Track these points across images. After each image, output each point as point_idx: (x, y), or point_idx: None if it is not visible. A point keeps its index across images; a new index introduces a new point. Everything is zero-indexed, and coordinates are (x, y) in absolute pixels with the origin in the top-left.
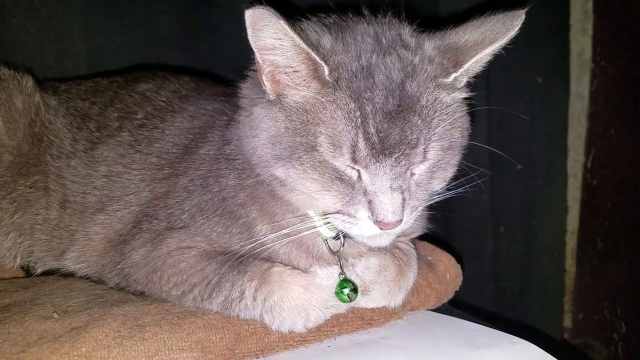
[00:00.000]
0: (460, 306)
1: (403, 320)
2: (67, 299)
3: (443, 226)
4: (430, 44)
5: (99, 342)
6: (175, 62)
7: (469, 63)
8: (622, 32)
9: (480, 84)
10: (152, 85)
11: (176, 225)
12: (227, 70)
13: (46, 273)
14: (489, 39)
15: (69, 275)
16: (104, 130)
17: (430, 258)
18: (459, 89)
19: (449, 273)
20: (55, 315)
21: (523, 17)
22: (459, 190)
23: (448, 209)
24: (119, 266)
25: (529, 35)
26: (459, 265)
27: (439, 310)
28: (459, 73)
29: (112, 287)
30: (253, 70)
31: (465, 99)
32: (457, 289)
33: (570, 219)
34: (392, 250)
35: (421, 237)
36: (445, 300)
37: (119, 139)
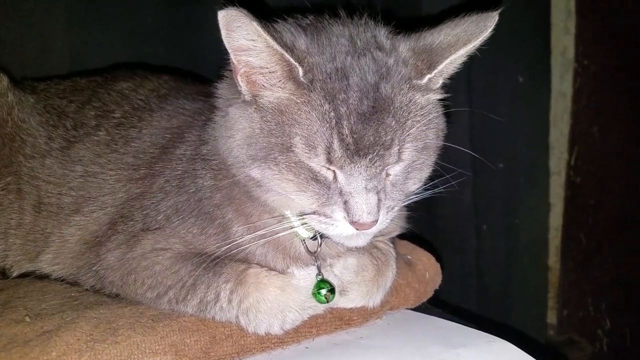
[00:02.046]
0: (439, 305)
1: (382, 320)
2: (41, 301)
3: (426, 225)
4: (404, 46)
5: (70, 346)
6: (159, 60)
7: (443, 64)
8: (604, 31)
9: (462, 82)
10: (131, 84)
11: (152, 227)
12: (212, 68)
13: (23, 275)
14: (462, 40)
15: (45, 277)
16: (81, 128)
17: (409, 257)
18: (434, 90)
19: (428, 272)
20: (27, 319)
21: (496, 18)
22: (436, 190)
23: (430, 207)
24: (94, 268)
25: (511, 34)
26: (438, 264)
27: (418, 309)
28: (432, 74)
29: (87, 290)
30: (229, 70)
31: (441, 100)
32: (437, 288)
33: (555, 216)
34: (370, 250)
35: (403, 236)
36: (425, 300)
37: (95, 138)
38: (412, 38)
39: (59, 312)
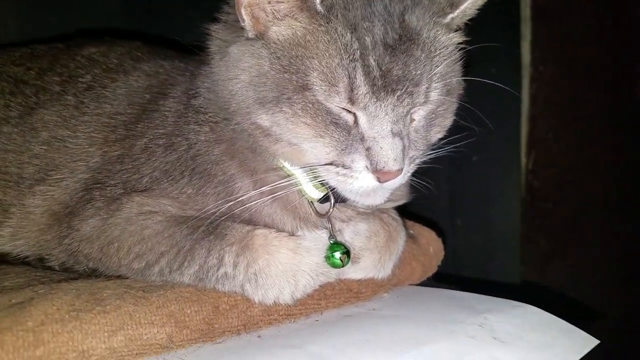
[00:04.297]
0: (443, 281)
1: (389, 295)
2: (2, 280)
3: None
4: None
5: (50, 316)
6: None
7: (466, 4)
8: (558, 38)
9: None
10: (99, 49)
11: (135, 191)
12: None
13: None
14: None
15: (1, 260)
16: (43, 94)
17: (412, 232)
18: (456, 31)
19: (432, 247)
20: None
21: None
22: (449, 148)
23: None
24: (65, 241)
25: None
26: (439, 239)
27: (423, 284)
28: (455, 14)
29: (55, 268)
30: (224, 11)
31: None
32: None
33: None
34: (379, 215)
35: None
36: (430, 274)
37: (62, 101)
38: None
39: (28, 286)
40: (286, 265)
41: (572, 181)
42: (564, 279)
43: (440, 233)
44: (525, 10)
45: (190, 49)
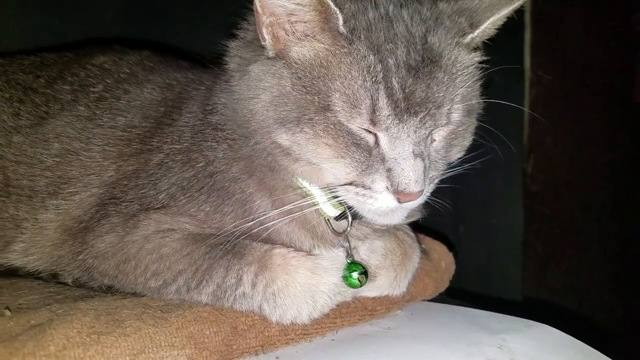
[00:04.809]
0: (456, 296)
1: (403, 311)
2: (16, 297)
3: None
4: (443, 3)
5: (71, 340)
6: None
7: (486, 24)
8: (556, 43)
9: None
10: (110, 58)
11: (152, 207)
12: (182, 56)
13: None
14: (504, 0)
15: (13, 273)
16: (54, 104)
17: (424, 246)
18: (476, 50)
19: (444, 261)
20: (8, 313)
21: None
22: (466, 166)
23: None
24: (80, 257)
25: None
26: (451, 254)
27: (435, 300)
28: (475, 34)
29: (69, 284)
30: (242, 28)
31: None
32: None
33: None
34: (395, 232)
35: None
36: (442, 290)
37: (74, 112)
38: None
39: (44, 305)
40: (305, 285)
41: (569, 186)
42: (560, 283)
43: (450, 247)
44: (525, 16)
45: (198, 58)
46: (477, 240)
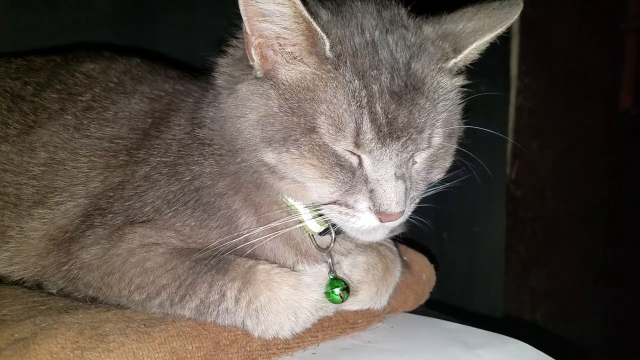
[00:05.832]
0: (435, 307)
1: (384, 324)
2: (0, 307)
3: None
4: (428, 28)
5: (55, 355)
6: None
7: (469, 49)
8: (544, 52)
9: None
10: (98, 66)
11: (137, 220)
12: (172, 64)
13: None
14: (488, 26)
15: None
16: (42, 112)
17: (405, 258)
18: (458, 75)
19: (425, 274)
20: None
21: (522, 6)
22: (448, 184)
23: None
24: (64, 268)
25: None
26: (432, 265)
27: (416, 312)
28: (458, 59)
29: (53, 293)
30: (231, 45)
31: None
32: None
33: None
34: (377, 247)
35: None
36: (423, 302)
37: (62, 121)
38: (432, 20)
39: (28, 317)
40: (287, 302)
41: (552, 191)
42: (543, 286)
43: (432, 259)
44: (514, 25)
45: (187, 67)
46: (460, 246)
